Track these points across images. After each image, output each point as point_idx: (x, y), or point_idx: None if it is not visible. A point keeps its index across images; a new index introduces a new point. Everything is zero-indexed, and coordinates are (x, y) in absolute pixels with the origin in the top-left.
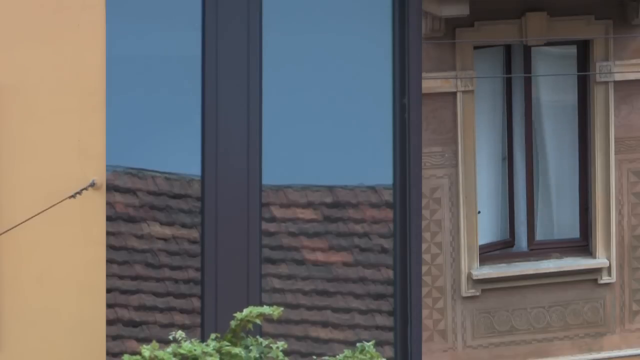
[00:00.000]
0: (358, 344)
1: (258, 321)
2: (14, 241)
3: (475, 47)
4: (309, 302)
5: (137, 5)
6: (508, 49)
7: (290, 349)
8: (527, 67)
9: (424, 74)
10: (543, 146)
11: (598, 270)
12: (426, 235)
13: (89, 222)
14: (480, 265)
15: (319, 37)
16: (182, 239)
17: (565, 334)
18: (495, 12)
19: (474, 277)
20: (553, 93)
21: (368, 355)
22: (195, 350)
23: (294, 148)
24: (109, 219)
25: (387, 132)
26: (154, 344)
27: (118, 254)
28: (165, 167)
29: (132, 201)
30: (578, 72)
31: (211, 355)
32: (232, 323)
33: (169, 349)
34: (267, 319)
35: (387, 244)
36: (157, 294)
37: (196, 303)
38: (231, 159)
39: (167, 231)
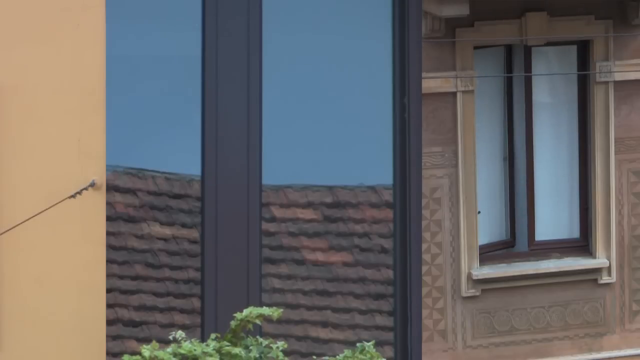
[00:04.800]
0: (358, 344)
1: (258, 322)
2: (14, 241)
3: (475, 47)
4: (309, 302)
5: (137, 5)
6: (508, 48)
7: (290, 349)
8: (527, 67)
9: (424, 74)
10: (543, 146)
11: (598, 270)
12: (426, 235)
13: (89, 222)
14: (480, 265)
15: (319, 37)
16: (182, 239)
17: (565, 334)
18: (495, 12)
19: (474, 277)
20: (553, 93)
21: (368, 355)
22: (195, 350)
23: (294, 148)
24: (109, 219)
25: (387, 132)
26: (154, 344)
27: (118, 254)
28: (165, 167)
29: (132, 201)
30: (578, 72)
31: (211, 355)
32: (232, 323)
33: (169, 349)
34: (267, 319)
35: (387, 244)
36: (157, 294)
37: (196, 303)
38: (231, 159)
39: (167, 231)
